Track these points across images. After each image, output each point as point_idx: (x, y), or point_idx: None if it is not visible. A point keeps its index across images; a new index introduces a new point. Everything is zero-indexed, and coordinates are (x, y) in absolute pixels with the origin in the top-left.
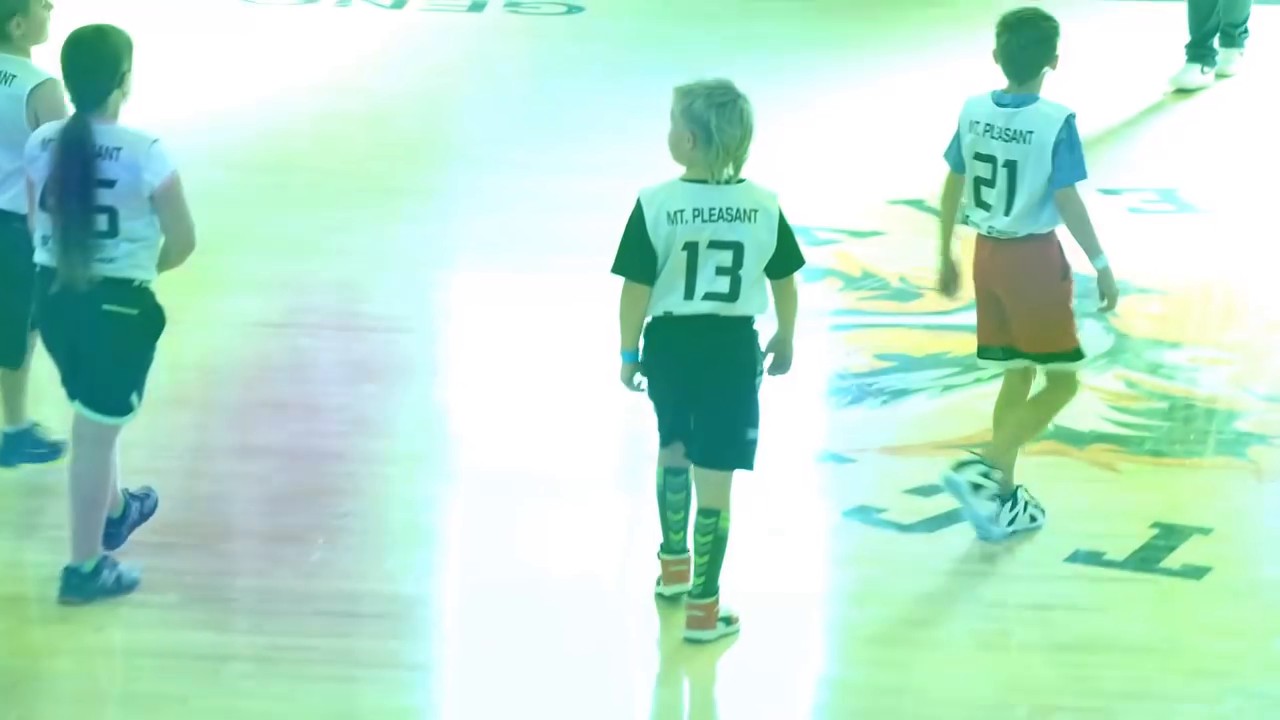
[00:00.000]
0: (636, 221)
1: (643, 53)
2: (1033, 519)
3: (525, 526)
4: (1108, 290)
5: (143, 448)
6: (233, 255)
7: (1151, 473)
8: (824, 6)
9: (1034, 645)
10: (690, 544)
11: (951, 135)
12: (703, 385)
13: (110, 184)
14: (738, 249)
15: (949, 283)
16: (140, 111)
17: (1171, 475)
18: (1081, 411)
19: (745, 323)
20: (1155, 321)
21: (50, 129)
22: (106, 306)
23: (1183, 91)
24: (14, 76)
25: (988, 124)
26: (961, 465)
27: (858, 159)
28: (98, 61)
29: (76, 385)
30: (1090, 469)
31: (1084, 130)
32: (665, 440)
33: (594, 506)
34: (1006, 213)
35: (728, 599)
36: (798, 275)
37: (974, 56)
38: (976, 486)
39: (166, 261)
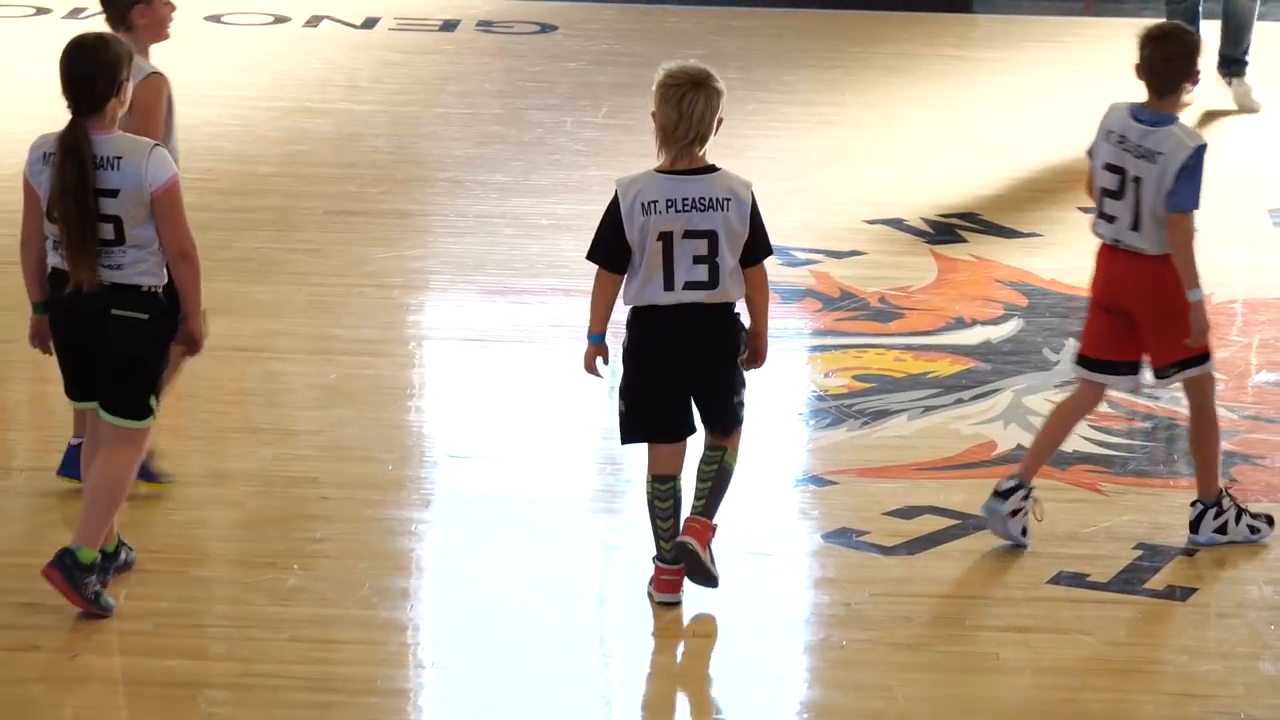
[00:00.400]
0: (612, 211)
1: (616, 71)
2: (1254, 530)
3: (502, 550)
4: (1197, 323)
5: None
6: (204, 279)
7: (1135, 494)
8: (798, 26)
9: (1017, 668)
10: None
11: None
12: (693, 370)
13: (113, 193)
14: (712, 237)
15: None
16: None
17: (1155, 496)
18: None
19: (728, 308)
20: None
21: (49, 140)
22: (116, 312)
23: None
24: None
25: (1122, 136)
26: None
27: (835, 179)
28: (97, 68)
29: (89, 388)
30: (1073, 490)
31: (1068, 148)
32: (628, 437)
33: (571, 530)
34: (1134, 227)
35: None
36: (768, 265)
37: (950, 76)
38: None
39: (175, 274)
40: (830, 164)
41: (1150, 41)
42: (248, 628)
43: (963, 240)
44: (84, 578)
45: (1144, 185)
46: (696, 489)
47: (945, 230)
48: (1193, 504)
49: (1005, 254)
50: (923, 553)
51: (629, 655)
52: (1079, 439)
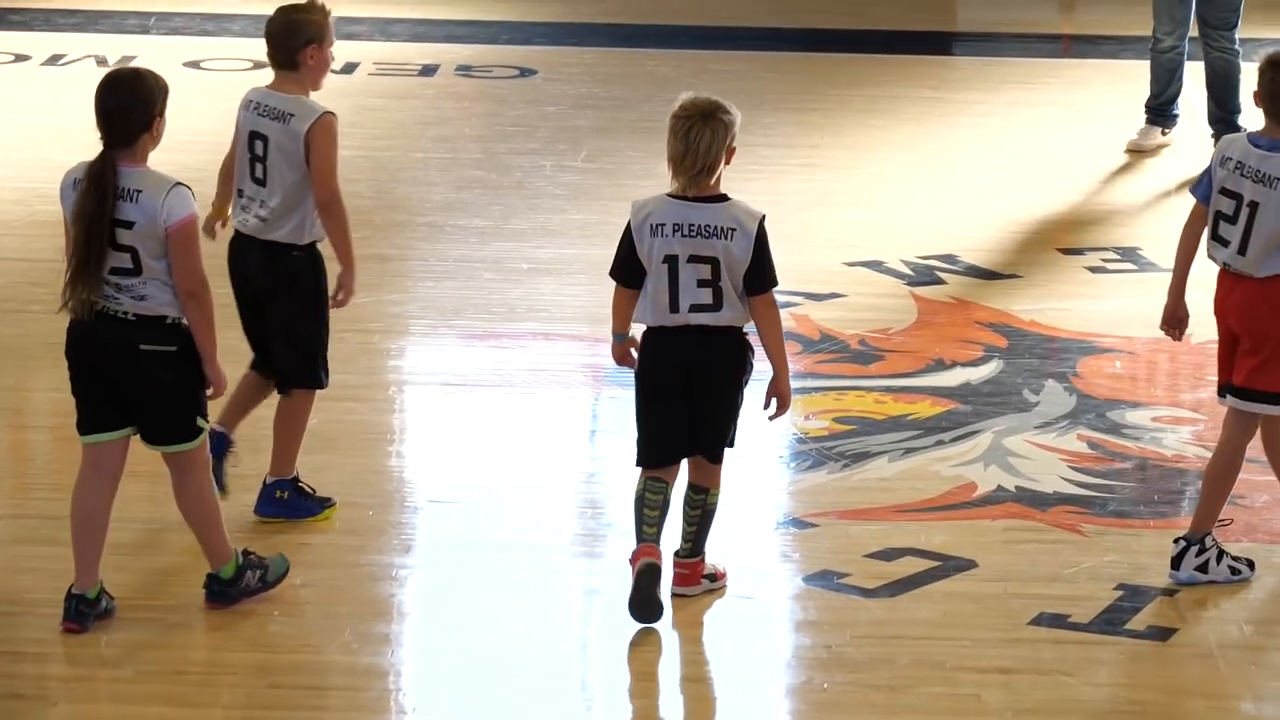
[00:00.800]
0: (627, 229)
1: (596, 115)
2: (1234, 571)
3: (484, 595)
4: None
5: None
6: None
7: (1115, 534)
8: (777, 69)
9: (998, 709)
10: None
11: (1203, 169)
12: (699, 390)
13: (129, 225)
14: (715, 264)
15: (1174, 321)
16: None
17: (1135, 537)
18: (1044, 473)
19: (734, 331)
20: (1117, 381)
21: (80, 168)
22: (144, 346)
23: (1137, 152)
24: (291, 115)
25: (1240, 162)
26: (1178, 560)
27: (815, 221)
28: (132, 103)
29: (106, 419)
30: (1053, 531)
31: (1048, 190)
32: (642, 461)
33: (553, 574)
34: (1242, 251)
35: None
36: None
37: (929, 118)
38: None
39: (186, 315)
40: (810, 206)
41: (1271, 67)
42: (229, 674)
43: (942, 282)
44: (239, 586)
45: (1261, 210)
46: (683, 531)
47: (925, 272)
48: (1176, 540)
49: (985, 295)
50: (904, 594)
51: (611, 699)
52: (1058, 479)
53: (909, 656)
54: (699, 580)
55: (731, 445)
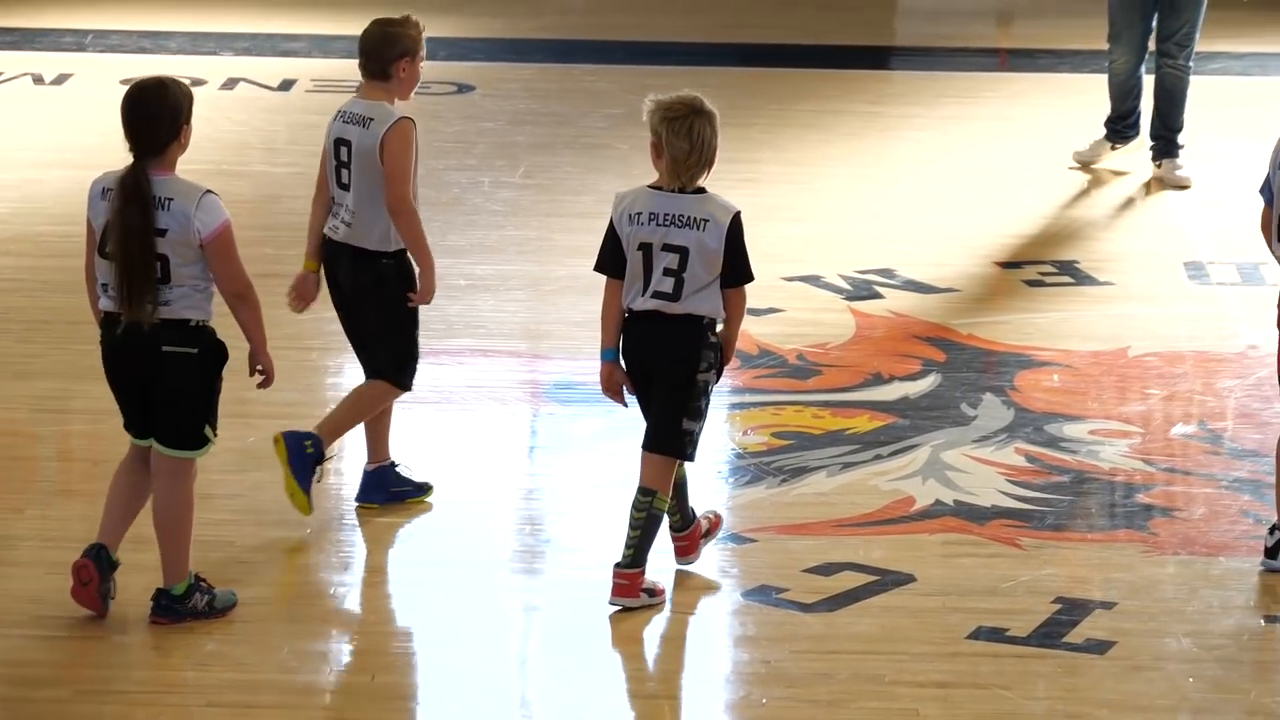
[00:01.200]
0: (610, 220)
1: (534, 131)
2: None
3: (422, 612)
4: None
5: (32, 540)
6: None
7: (1054, 548)
8: (716, 84)
9: None
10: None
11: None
12: (650, 376)
13: (161, 232)
14: (683, 253)
15: None
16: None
17: (1074, 550)
18: (982, 487)
19: (689, 321)
20: (1055, 395)
21: (109, 178)
22: (166, 348)
23: (1086, 166)
24: (371, 120)
25: None
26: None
27: (754, 236)
28: (159, 113)
29: (148, 425)
30: (991, 545)
31: (985, 203)
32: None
33: (492, 590)
34: None
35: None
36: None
37: (867, 132)
38: None
39: (236, 316)
40: (748, 221)
41: None
42: (167, 693)
43: (880, 296)
44: (186, 605)
45: None
46: (627, 536)
47: (863, 286)
48: (1271, 530)
49: (923, 310)
50: (842, 609)
51: (550, 715)
52: (996, 493)
53: (848, 671)
54: (638, 593)
55: (682, 449)
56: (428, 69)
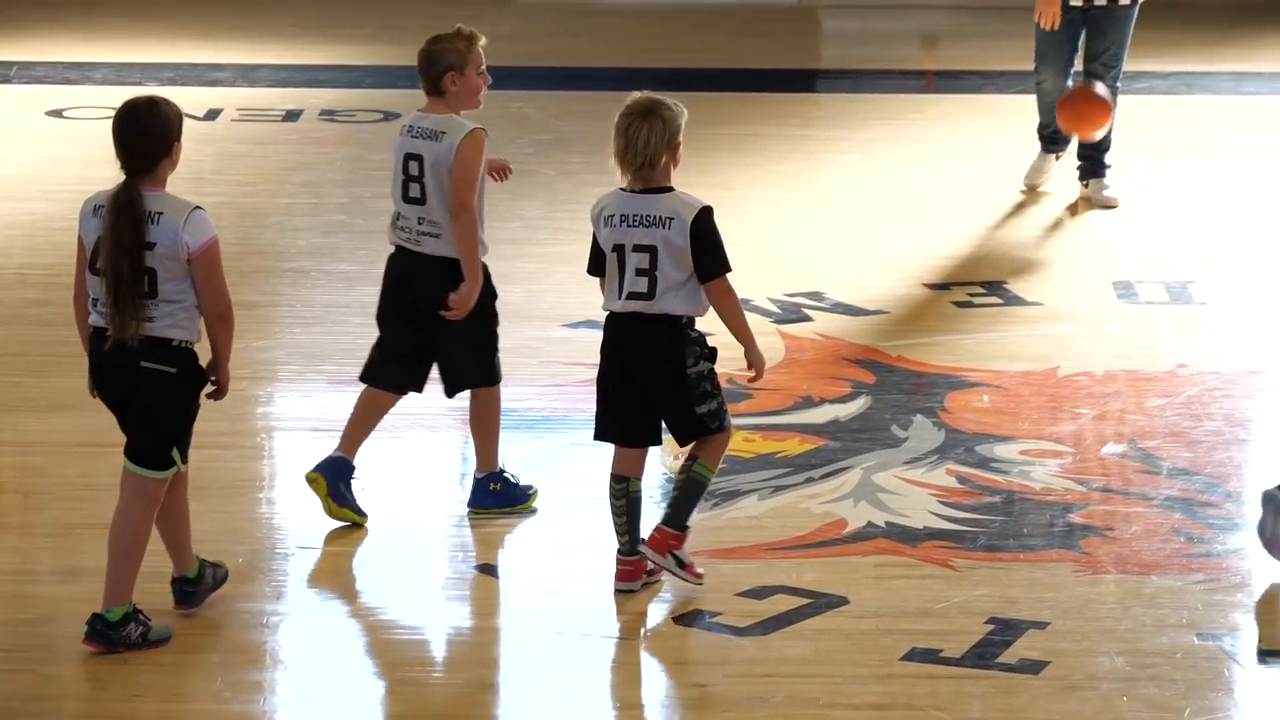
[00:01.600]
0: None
1: None
2: None
3: (356, 641)
4: None
5: None
6: (51, 375)
7: (986, 568)
8: None
9: None
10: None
11: None
12: (646, 380)
13: (150, 246)
14: (653, 252)
15: None
16: None
17: (1006, 570)
18: (914, 508)
19: (666, 321)
20: (985, 415)
21: (101, 196)
22: (145, 364)
23: (1034, 189)
24: (443, 133)
25: None
26: None
27: None
28: (149, 130)
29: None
30: (924, 566)
31: (914, 225)
32: (596, 434)
33: (425, 618)
34: None
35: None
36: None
37: (795, 155)
38: None
39: (210, 332)
40: None
41: None
42: None
43: (809, 319)
44: (119, 633)
45: None
46: (669, 497)
47: (792, 309)
48: None
49: (852, 332)
50: (776, 632)
51: None
52: (928, 515)
53: (782, 694)
54: (666, 548)
55: (706, 429)
56: (352, 97)
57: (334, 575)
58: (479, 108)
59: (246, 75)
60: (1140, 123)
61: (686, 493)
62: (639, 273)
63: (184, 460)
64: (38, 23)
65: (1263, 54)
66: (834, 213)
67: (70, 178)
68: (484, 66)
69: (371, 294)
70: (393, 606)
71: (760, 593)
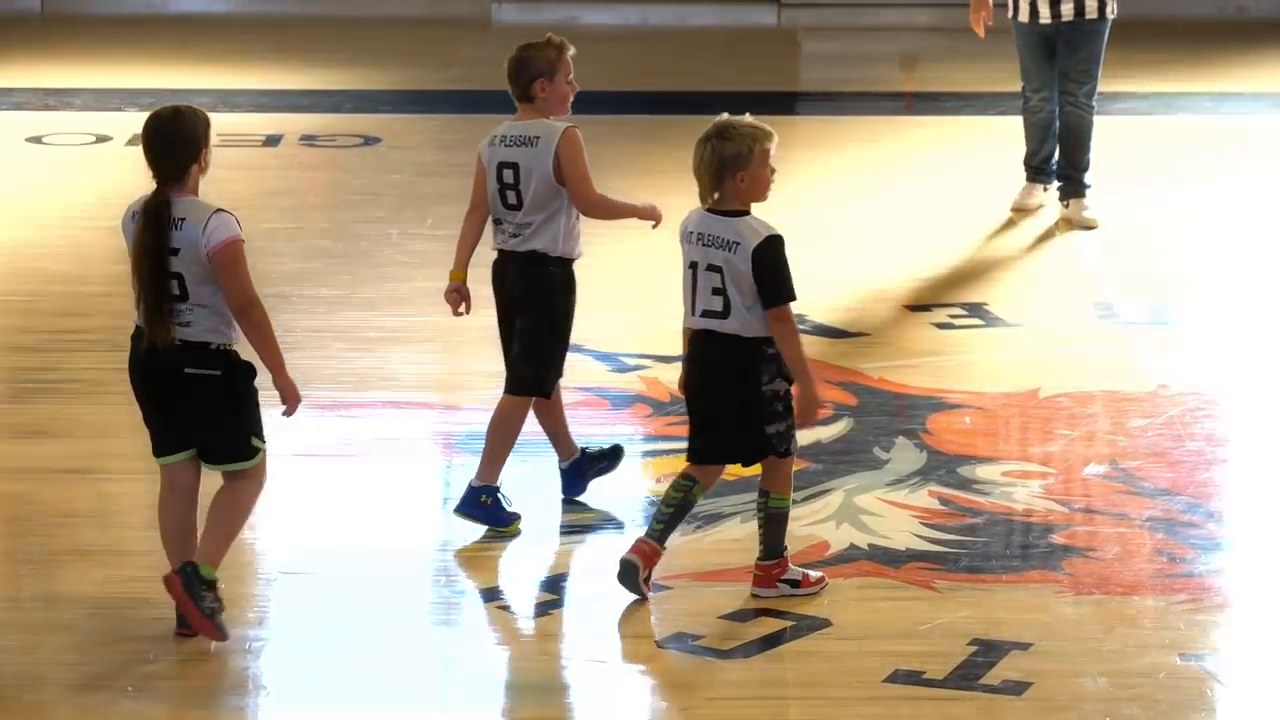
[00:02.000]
0: None
1: (441, 182)
2: None
3: (339, 666)
4: None
5: None
6: (32, 400)
7: (969, 590)
8: (622, 131)
9: None
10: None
11: None
12: (717, 396)
13: (175, 251)
14: (721, 272)
15: None
16: None
17: (988, 592)
18: (896, 530)
19: (744, 341)
20: (967, 437)
21: (138, 202)
22: (189, 370)
23: (1021, 210)
24: (538, 138)
25: None
26: None
27: (660, 283)
28: (177, 139)
29: (173, 440)
30: (907, 588)
31: (895, 247)
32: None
33: (409, 643)
34: None
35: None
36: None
37: (774, 178)
38: None
39: (244, 331)
40: (654, 268)
41: None
42: None
43: None
44: (202, 589)
45: None
46: (759, 535)
47: None
48: None
49: (833, 354)
50: (759, 655)
51: None
52: (910, 536)
53: (765, 717)
54: (774, 584)
55: (773, 449)
56: (332, 121)
57: (316, 601)
58: (567, 115)
59: (227, 100)
60: (1121, 143)
61: (772, 528)
62: (714, 291)
63: (263, 440)
64: (16, 49)
65: (1242, 74)
66: (813, 235)
67: (52, 203)
68: (572, 75)
69: (353, 319)
70: (377, 632)
71: (743, 615)
